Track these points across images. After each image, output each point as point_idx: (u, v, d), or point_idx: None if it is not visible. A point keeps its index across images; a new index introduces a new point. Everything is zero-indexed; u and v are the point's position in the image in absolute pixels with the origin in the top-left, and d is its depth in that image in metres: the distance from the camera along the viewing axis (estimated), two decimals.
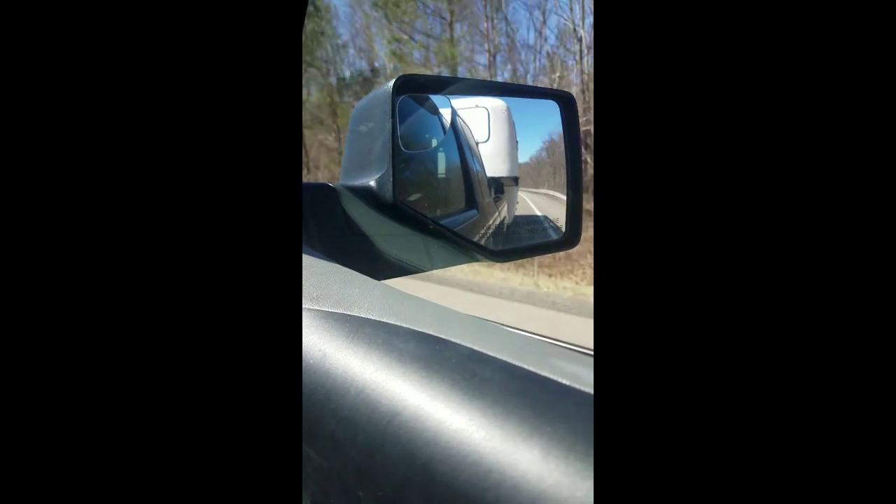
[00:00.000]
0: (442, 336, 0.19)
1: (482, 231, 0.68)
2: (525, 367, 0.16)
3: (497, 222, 0.70)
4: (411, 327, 0.20)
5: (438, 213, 0.60)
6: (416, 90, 0.51)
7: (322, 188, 0.45)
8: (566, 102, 0.61)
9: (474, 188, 0.70)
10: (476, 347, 0.18)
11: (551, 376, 0.16)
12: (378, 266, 0.46)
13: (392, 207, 0.46)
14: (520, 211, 0.73)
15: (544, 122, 0.66)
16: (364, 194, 0.46)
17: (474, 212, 0.68)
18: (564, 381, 0.15)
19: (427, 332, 0.19)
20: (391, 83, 0.44)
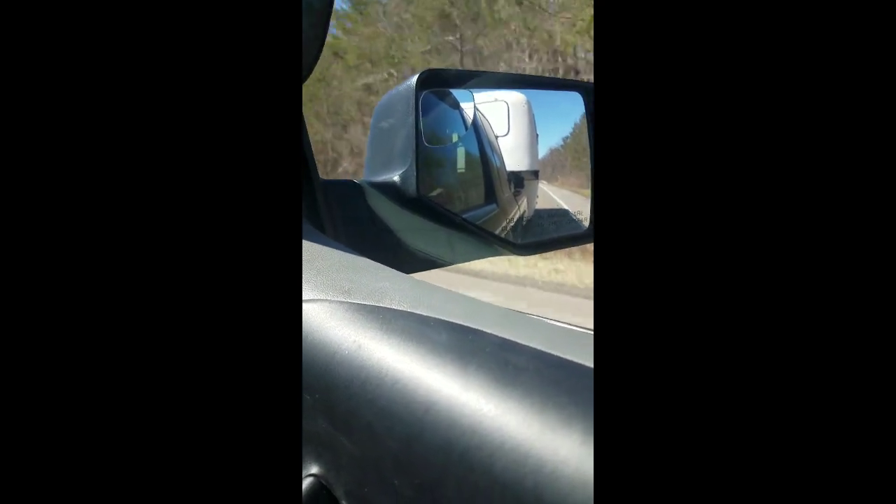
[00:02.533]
0: (473, 326, 0.19)
1: (502, 225, 0.68)
2: (560, 355, 0.16)
3: (517, 216, 0.70)
4: (443, 318, 0.20)
5: (459, 208, 0.60)
6: (439, 85, 0.51)
7: (347, 185, 0.46)
8: (590, 94, 0.61)
9: (494, 182, 0.70)
10: (508, 337, 0.18)
11: (588, 364, 0.16)
12: (403, 260, 0.46)
13: (416, 202, 0.46)
14: (542, 204, 0.72)
15: (566, 116, 0.66)
16: (388, 190, 0.46)
17: (493, 206, 0.68)
18: None
19: (458, 322, 0.19)
20: (414, 78, 0.45)
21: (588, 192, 0.67)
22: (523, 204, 0.72)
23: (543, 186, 0.73)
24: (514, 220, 0.70)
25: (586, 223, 0.68)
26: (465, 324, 0.19)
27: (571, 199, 0.75)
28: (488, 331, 0.19)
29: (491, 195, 0.68)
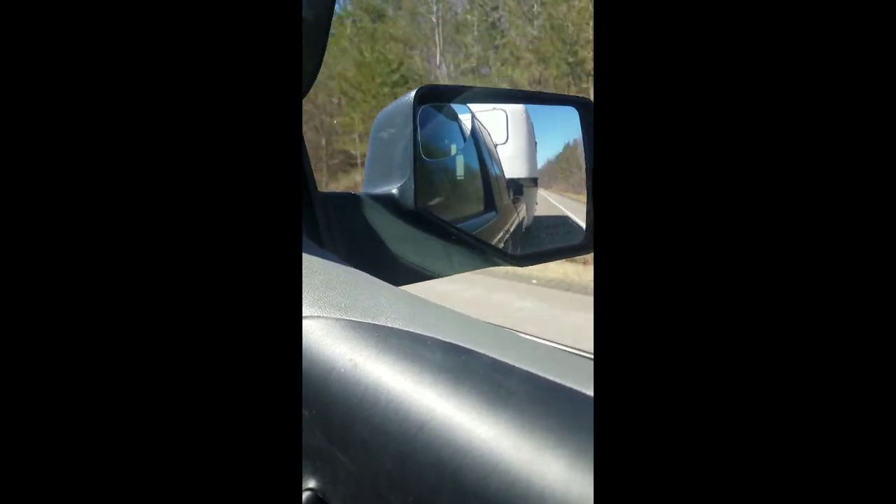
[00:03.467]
0: (466, 346, 0.19)
1: (501, 233, 0.68)
2: (550, 378, 0.17)
3: (515, 224, 0.71)
4: (437, 337, 0.20)
5: (458, 217, 0.61)
6: (437, 99, 0.52)
7: (346, 197, 0.46)
8: (586, 108, 0.62)
9: (493, 191, 0.70)
10: (500, 358, 0.18)
11: (576, 388, 0.16)
12: (400, 272, 0.47)
13: (413, 214, 0.47)
14: (541, 208, 0.73)
15: (562, 129, 0.66)
16: (386, 202, 0.47)
17: (493, 213, 0.69)
18: (589, 393, 0.16)
19: (451, 341, 0.20)
20: (412, 93, 0.45)
21: (582, 197, 0.67)
22: (522, 211, 0.73)
23: (542, 192, 0.74)
24: (514, 227, 0.70)
25: (584, 228, 0.69)
26: (459, 343, 0.20)
27: (566, 204, 0.76)
28: (481, 351, 0.19)
29: (490, 203, 0.69)
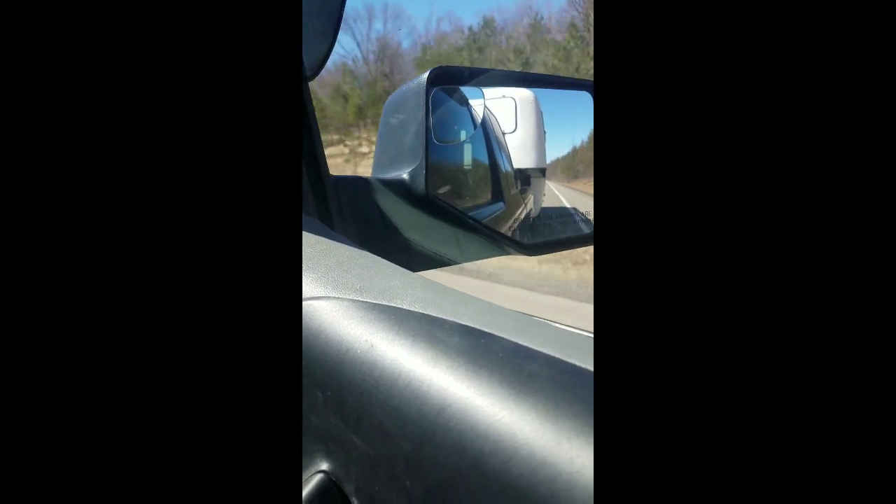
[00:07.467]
0: (485, 329, 0.19)
1: (508, 224, 0.68)
2: (574, 362, 0.16)
3: (523, 215, 0.70)
4: (454, 320, 0.20)
5: (466, 206, 0.60)
6: (450, 82, 0.51)
7: (357, 181, 0.46)
8: None
9: (501, 181, 0.70)
10: (521, 342, 0.18)
11: None
12: (411, 258, 0.46)
13: (425, 200, 0.46)
14: (549, 202, 0.72)
15: (575, 113, 0.65)
16: (397, 187, 0.46)
17: (500, 204, 0.68)
18: None
19: (470, 325, 0.19)
20: (425, 75, 0.44)
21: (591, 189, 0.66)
22: (530, 202, 0.72)
23: (550, 185, 0.73)
24: (521, 218, 0.69)
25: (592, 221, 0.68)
26: (477, 327, 0.19)
27: (577, 197, 0.75)
28: (500, 334, 0.19)
29: (498, 193, 0.68)
